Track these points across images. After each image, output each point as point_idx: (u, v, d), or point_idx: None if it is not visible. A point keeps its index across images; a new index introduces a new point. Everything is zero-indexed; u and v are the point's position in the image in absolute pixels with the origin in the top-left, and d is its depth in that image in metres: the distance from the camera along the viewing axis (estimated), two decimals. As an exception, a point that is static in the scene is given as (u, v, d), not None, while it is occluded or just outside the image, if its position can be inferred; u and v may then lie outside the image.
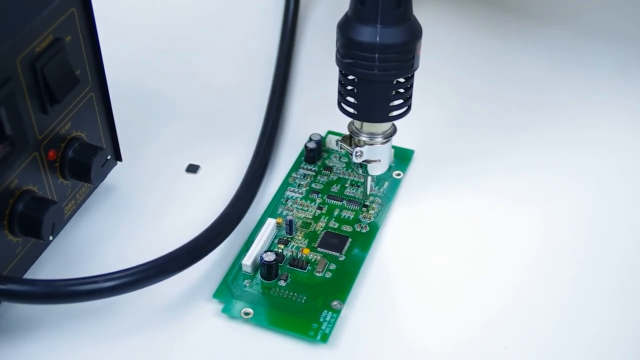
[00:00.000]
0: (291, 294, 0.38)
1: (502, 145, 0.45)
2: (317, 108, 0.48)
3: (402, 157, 0.45)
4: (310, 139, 0.45)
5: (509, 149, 0.45)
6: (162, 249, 0.37)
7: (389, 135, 0.39)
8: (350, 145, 0.40)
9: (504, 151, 0.45)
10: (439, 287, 0.38)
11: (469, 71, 0.50)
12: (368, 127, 0.39)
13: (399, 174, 0.44)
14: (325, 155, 0.45)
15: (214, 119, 0.47)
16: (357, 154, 0.39)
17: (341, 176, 0.44)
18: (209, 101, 0.48)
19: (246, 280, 0.38)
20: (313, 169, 0.44)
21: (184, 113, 0.48)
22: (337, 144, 0.40)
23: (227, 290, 0.38)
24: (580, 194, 0.42)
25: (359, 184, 0.43)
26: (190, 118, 0.48)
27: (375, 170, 0.40)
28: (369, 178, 0.41)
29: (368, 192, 0.42)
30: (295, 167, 0.44)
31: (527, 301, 0.38)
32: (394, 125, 0.40)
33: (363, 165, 0.40)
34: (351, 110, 0.39)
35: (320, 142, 0.45)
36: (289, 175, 0.44)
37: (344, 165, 0.44)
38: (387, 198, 0.43)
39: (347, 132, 0.40)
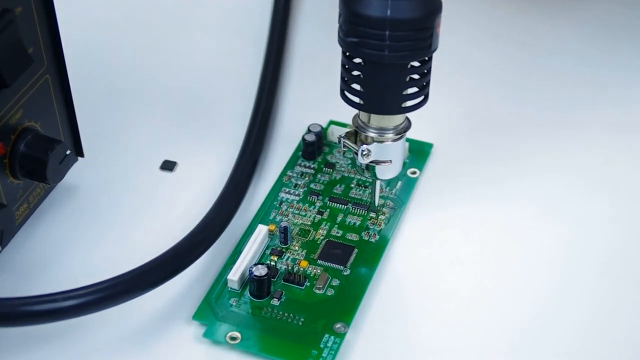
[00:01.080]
0: (286, 314, 0.38)
1: (536, 141, 0.45)
2: (317, 94, 0.48)
3: (419, 153, 0.45)
4: (309, 131, 0.44)
5: (543, 146, 0.45)
6: (133, 261, 0.37)
7: (402, 131, 0.39)
8: (355, 143, 0.39)
9: (537, 148, 0.45)
10: (459, 307, 0.38)
11: (499, 53, 0.50)
12: (377, 120, 0.39)
13: (414, 173, 0.44)
14: (326, 149, 0.45)
15: (195, 108, 0.48)
16: (364, 153, 0.39)
17: (345, 175, 0.44)
18: (189, 86, 0.49)
19: (232, 299, 0.38)
20: (312, 166, 0.44)
21: (159, 100, 0.48)
22: (339, 140, 0.39)
23: (209, 311, 0.38)
24: (625, 202, 0.42)
25: (368, 184, 0.43)
26: (166, 106, 0.48)
27: (386, 173, 0.40)
28: (378, 183, 0.41)
29: (377, 201, 0.41)
30: (291, 164, 0.44)
31: (557, 325, 0.38)
32: (407, 118, 0.39)
33: (370, 167, 0.39)
34: (356, 99, 0.38)
35: (321, 134, 0.45)
36: (283, 173, 0.44)
37: (349, 161, 0.44)
38: (401, 201, 0.42)
39: (351, 125, 0.40)
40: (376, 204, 0.41)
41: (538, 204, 0.42)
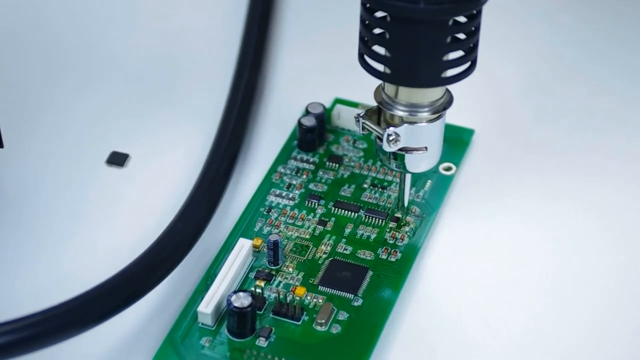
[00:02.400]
0: (276, 359, 0.37)
1: (609, 131, 0.46)
2: (318, 64, 0.48)
3: (456, 142, 0.45)
4: (307, 112, 0.44)
5: (616, 140, 0.45)
6: (71, 288, 0.37)
7: (440, 109, 0.39)
8: (379, 124, 0.39)
9: (609, 141, 0.45)
10: (509, 348, 0.38)
11: (572, 16, 0.51)
12: (408, 94, 0.38)
13: (449, 169, 0.44)
14: (330, 137, 0.45)
15: (154, 82, 0.48)
16: (391, 138, 0.38)
17: (356, 171, 0.44)
18: (146, 53, 0.49)
19: (205, 338, 0.38)
20: (312, 159, 0.44)
21: (106, 72, 0.48)
22: (357, 121, 0.39)
23: (174, 353, 0.38)
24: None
25: (386, 184, 0.43)
26: (116, 80, 0.48)
27: (419, 164, 0.39)
28: (408, 177, 0.41)
29: (407, 201, 0.41)
30: (283, 158, 0.44)
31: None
32: (448, 92, 0.39)
33: (399, 157, 0.39)
34: (381, 67, 0.38)
35: (323, 117, 0.44)
36: (272, 170, 0.44)
37: (362, 153, 0.44)
38: (431, 206, 0.43)
39: (372, 103, 0.39)
40: (405, 205, 0.42)
41: (605, 212, 0.43)
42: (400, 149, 0.39)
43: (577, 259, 0.41)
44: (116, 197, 0.43)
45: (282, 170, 0.43)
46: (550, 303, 0.40)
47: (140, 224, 0.41)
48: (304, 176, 0.43)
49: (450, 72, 0.38)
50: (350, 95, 0.46)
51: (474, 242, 0.41)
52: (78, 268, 0.40)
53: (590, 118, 0.46)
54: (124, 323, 0.38)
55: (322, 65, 0.48)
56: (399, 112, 0.38)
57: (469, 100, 0.45)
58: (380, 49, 0.37)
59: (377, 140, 0.39)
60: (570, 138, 0.45)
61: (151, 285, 0.37)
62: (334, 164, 0.43)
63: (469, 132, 0.45)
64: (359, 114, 0.39)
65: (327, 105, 0.45)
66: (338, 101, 0.46)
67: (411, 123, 0.38)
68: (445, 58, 0.37)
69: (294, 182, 0.43)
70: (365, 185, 0.43)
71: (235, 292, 0.37)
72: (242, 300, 0.37)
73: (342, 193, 0.42)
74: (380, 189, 0.42)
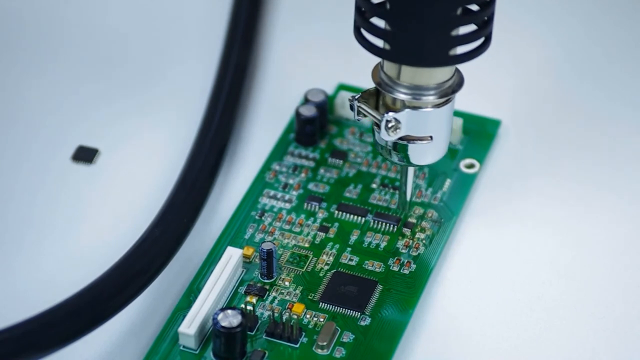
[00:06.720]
0: None
1: None
2: (318, 44, 0.49)
3: (480, 135, 0.45)
4: (307, 100, 0.45)
5: None
6: (31, 305, 0.37)
7: (448, 92, 0.39)
8: (377, 109, 0.39)
9: None
10: None
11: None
12: (410, 74, 0.39)
13: (472, 166, 0.44)
14: (333, 129, 0.45)
15: (129, 64, 0.48)
16: (390, 125, 0.39)
17: (364, 169, 0.44)
18: (118, 30, 0.49)
19: None
20: (311, 155, 0.44)
21: (67, 51, 0.48)
22: (351, 105, 0.40)
23: None
24: None
25: (399, 184, 0.43)
26: (80, 60, 0.48)
27: (424, 156, 0.40)
28: (411, 171, 0.41)
29: (408, 198, 0.42)
30: (278, 153, 0.44)
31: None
32: (458, 72, 0.39)
33: (400, 147, 0.39)
34: (379, 43, 0.38)
35: (325, 106, 0.45)
36: (265, 167, 0.44)
37: (370, 148, 0.44)
38: (451, 210, 0.43)
39: (370, 85, 0.40)
40: (408, 204, 0.42)
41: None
42: (401, 138, 0.39)
43: (626, 278, 0.41)
44: (83, 199, 0.43)
45: (277, 167, 0.44)
46: (593, 331, 0.40)
47: (111, 232, 0.42)
48: (303, 175, 0.43)
49: (460, 50, 0.38)
50: (357, 81, 0.46)
51: (500, 252, 0.42)
52: (34, 283, 0.40)
53: (634, 107, 0.47)
54: (92, 347, 0.38)
55: (324, 45, 0.49)
56: (401, 95, 0.39)
57: (495, 87, 0.46)
58: (379, 22, 0.38)
59: (375, 127, 0.39)
60: (613, 129, 0.46)
61: (122, 304, 0.37)
62: (337, 161, 0.44)
63: (495, 124, 0.45)
64: (353, 97, 0.39)
65: (330, 92, 0.46)
66: (342, 87, 0.46)
67: (414, 108, 0.39)
68: (454, 33, 0.37)
69: (291, 181, 0.43)
70: (374, 186, 0.43)
71: (222, 309, 0.38)
72: (231, 319, 0.37)
73: (347, 194, 0.43)
74: (391, 190, 0.43)
